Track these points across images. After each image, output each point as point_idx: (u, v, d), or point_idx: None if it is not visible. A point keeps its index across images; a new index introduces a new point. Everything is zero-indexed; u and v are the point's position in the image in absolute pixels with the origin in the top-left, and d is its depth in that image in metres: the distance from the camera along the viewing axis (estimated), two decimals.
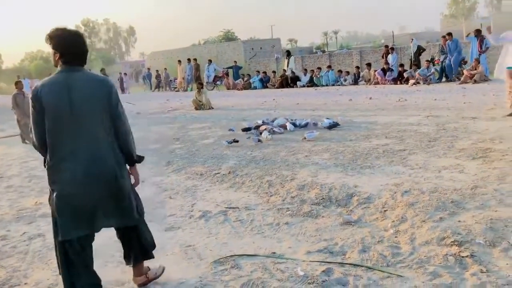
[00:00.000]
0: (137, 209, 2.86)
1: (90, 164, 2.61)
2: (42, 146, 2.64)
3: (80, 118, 2.59)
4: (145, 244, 3.00)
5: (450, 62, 16.64)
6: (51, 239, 4.05)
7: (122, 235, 2.99)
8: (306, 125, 8.86)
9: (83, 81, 2.63)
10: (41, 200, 5.32)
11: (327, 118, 8.95)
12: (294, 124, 8.86)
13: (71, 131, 2.58)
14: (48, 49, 2.75)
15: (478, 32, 16.32)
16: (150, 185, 5.62)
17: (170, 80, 28.90)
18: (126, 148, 2.79)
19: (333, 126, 8.46)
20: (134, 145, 2.86)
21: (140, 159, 2.94)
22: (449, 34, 17.04)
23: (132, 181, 2.92)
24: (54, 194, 2.63)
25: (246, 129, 8.83)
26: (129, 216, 2.81)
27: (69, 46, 2.64)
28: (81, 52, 2.68)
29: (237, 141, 7.70)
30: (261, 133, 8.32)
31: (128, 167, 2.89)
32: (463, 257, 3.08)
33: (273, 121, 9.24)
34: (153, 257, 3.10)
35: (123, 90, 27.47)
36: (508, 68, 8.22)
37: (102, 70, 25.52)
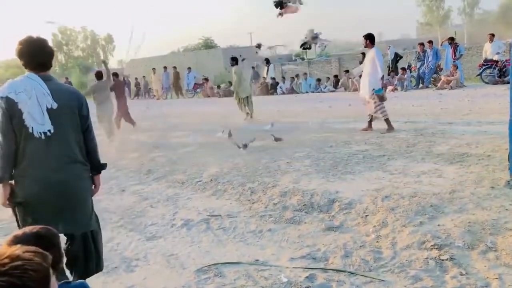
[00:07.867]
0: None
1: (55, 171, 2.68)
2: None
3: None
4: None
5: (425, 69, 16.96)
6: None
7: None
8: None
9: (55, 90, 2.67)
10: None
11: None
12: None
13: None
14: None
15: (451, 40, 16.73)
16: (131, 194, 5.54)
17: (150, 88, 28.66)
18: (95, 157, 2.90)
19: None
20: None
21: (104, 166, 3.01)
22: (430, 42, 17.33)
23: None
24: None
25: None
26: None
27: (30, 55, 2.69)
28: (42, 61, 2.71)
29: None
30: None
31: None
32: (443, 260, 3.14)
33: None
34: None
35: None
36: None
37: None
